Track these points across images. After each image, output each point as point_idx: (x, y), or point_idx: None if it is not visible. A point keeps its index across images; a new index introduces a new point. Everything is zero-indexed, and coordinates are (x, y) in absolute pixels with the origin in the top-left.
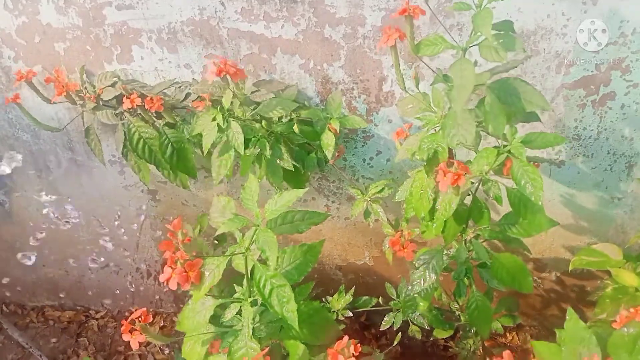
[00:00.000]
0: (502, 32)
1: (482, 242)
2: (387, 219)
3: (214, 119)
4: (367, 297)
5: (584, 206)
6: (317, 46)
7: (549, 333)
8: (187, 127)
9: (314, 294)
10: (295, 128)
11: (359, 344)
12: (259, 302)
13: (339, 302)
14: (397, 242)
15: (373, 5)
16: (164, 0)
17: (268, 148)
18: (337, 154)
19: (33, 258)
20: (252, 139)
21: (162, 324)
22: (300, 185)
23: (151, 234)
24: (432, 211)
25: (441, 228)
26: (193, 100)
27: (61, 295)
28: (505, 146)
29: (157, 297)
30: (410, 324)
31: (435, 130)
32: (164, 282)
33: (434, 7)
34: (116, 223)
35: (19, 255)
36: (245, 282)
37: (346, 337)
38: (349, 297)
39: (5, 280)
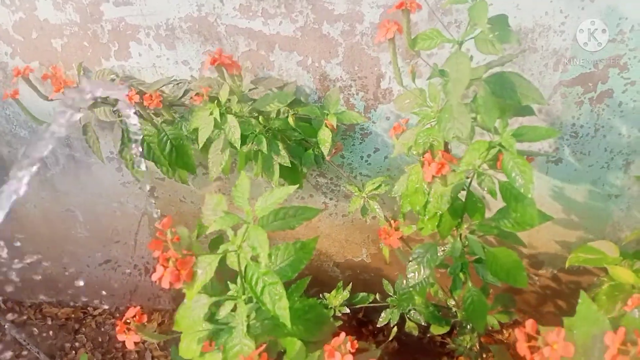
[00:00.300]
0: (498, 25)
1: (478, 237)
2: (384, 216)
3: (210, 113)
4: (364, 293)
5: (581, 203)
6: (315, 43)
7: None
8: (185, 124)
9: (311, 291)
10: (291, 120)
11: (355, 340)
12: (254, 299)
13: (337, 298)
14: (384, 231)
15: (371, 2)
16: None
17: (265, 144)
18: (334, 151)
19: (35, 257)
20: (250, 135)
21: (161, 320)
22: (297, 182)
23: (149, 230)
24: (427, 205)
25: (436, 223)
26: (191, 97)
27: (59, 293)
28: (496, 139)
29: (155, 294)
30: (407, 320)
31: (431, 124)
32: (156, 281)
33: (431, 3)
34: (114, 220)
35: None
36: (239, 279)
37: (343, 334)
38: (346, 294)
39: (2, 277)
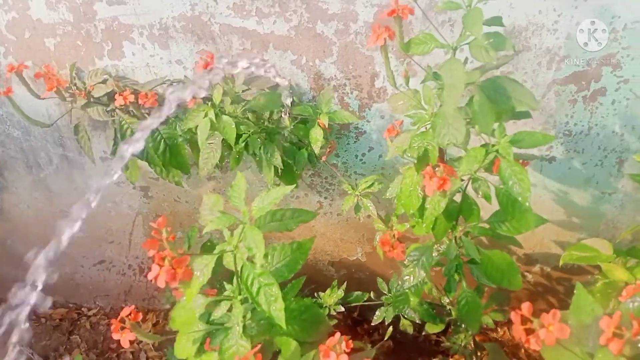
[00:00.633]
0: (492, 31)
1: (472, 239)
2: (378, 214)
3: (205, 115)
4: (359, 292)
5: (575, 202)
6: (309, 42)
7: None
8: (179, 124)
9: (306, 290)
10: (287, 122)
11: (350, 340)
12: (250, 299)
13: (331, 297)
14: (387, 243)
15: (365, 1)
16: None
17: (259, 145)
18: (328, 150)
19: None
20: (243, 135)
21: (155, 320)
22: (292, 182)
23: (143, 230)
24: (422, 209)
25: (431, 225)
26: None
27: (53, 293)
28: (493, 145)
29: (149, 294)
30: (402, 318)
31: (425, 128)
32: (151, 280)
33: (426, 2)
34: (108, 220)
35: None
36: (235, 280)
37: (338, 334)
38: (341, 293)
39: None
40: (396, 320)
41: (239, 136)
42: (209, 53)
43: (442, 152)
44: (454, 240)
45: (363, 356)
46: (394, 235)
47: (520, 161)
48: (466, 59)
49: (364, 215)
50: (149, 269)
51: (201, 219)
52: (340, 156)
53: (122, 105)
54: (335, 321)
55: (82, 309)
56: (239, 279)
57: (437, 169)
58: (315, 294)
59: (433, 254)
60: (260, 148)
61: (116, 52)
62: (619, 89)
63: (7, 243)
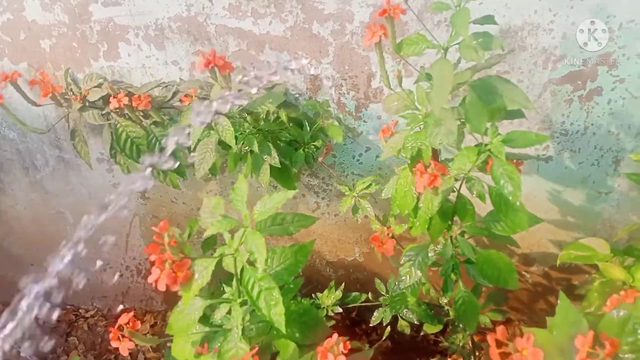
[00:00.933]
0: (481, 31)
1: (468, 238)
2: (376, 215)
3: None
4: (357, 293)
5: (571, 201)
6: (305, 42)
7: (538, 327)
8: (175, 126)
9: (304, 290)
10: (284, 118)
11: (348, 341)
12: (249, 302)
13: (329, 298)
14: (377, 239)
15: (361, 1)
16: None
17: (256, 145)
18: (325, 152)
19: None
20: (240, 135)
21: (153, 322)
22: (289, 183)
23: (140, 232)
24: (417, 209)
25: (426, 225)
26: (180, 100)
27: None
28: (486, 145)
29: (147, 295)
30: (400, 319)
31: (419, 128)
32: (152, 283)
33: (422, 3)
34: (105, 221)
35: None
36: (234, 282)
37: (335, 335)
38: (338, 293)
39: None
40: (394, 321)
41: (235, 137)
42: (211, 51)
43: (435, 152)
44: (449, 240)
45: (361, 357)
46: (384, 232)
47: (515, 161)
48: (459, 59)
49: (361, 216)
50: (147, 271)
51: (201, 221)
52: (337, 157)
53: (117, 108)
54: (333, 322)
55: (80, 310)
56: (239, 282)
57: (429, 166)
58: (313, 295)
59: (430, 254)
60: (257, 148)
61: (112, 53)
62: (615, 88)
63: (4, 245)
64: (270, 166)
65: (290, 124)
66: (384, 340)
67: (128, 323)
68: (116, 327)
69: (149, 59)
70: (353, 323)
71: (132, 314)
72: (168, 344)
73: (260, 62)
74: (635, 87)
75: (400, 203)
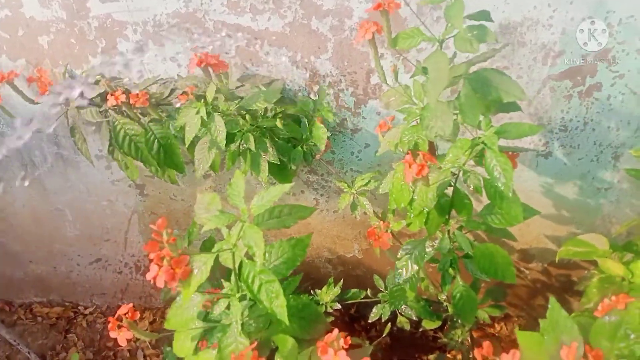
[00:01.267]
0: (478, 24)
1: (466, 232)
2: (374, 212)
3: (197, 112)
4: (356, 289)
5: (571, 197)
6: (304, 38)
7: (537, 323)
8: (172, 123)
9: (303, 287)
10: (279, 123)
11: (348, 337)
12: (248, 297)
13: (328, 294)
14: (373, 233)
15: None
16: None
17: (253, 142)
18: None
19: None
20: (237, 133)
21: (152, 319)
22: (287, 180)
23: (139, 228)
24: (412, 202)
25: (423, 219)
26: (177, 97)
27: (49, 292)
28: (479, 137)
29: (146, 292)
30: (399, 315)
31: (416, 121)
32: (150, 280)
33: None
34: (104, 218)
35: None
36: (233, 277)
37: (336, 330)
38: (337, 290)
39: None
40: (393, 317)
41: (232, 134)
42: (203, 52)
43: (432, 146)
44: (447, 234)
45: (360, 353)
46: (381, 226)
47: (510, 153)
48: (455, 53)
49: (360, 213)
50: (146, 267)
51: (197, 217)
52: (336, 153)
53: (114, 106)
54: (332, 318)
55: (79, 307)
56: (238, 277)
57: (417, 157)
58: (312, 291)
59: (428, 250)
60: (254, 145)
61: (110, 49)
62: (614, 84)
63: (2, 242)
64: (269, 163)
65: (289, 121)
66: (383, 336)
67: (127, 313)
68: (115, 317)
69: (147, 55)
70: (352, 319)
71: (131, 305)
72: (167, 344)
73: (258, 58)
74: (635, 82)
75: (396, 197)
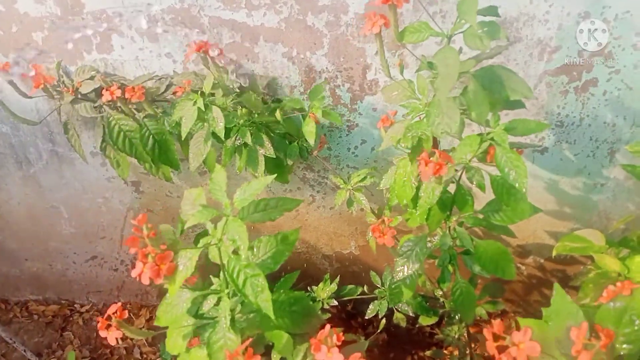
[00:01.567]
0: (488, 20)
1: (467, 229)
2: (371, 208)
3: (194, 103)
4: (352, 286)
5: (567, 192)
6: (299, 34)
7: (534, 318)
8: (167, 119)
9: (300, 284)
10: (278, 115)
11: (341, 333)
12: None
13: (324, 291)
14: (377, 229)
15: None
16: None
17: (249, 136)
18: (319, 145)
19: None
20: (233, 128)
21: (149, 316)
22: (283, 176)
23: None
24: (415, 199)
25: (425, 216)
26: (173, 92)
27: (45, 290)
28: (488, 133)
29: (142, 289)
30: (395, 311)
31: (420, 117)
32: (136, 277)
33: None
34: (99, 215)
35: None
36: (221, 273)
37: (328, 326)
38: (334, 286)
39: None
40: (390, 313)
41: (228, 129)
42: (200, 41)
43: (436, 142)
44: (447, 231)
45: (356, 348)
46: (385, 223)
47: (515, 149)
48: (460, 49)
49: (356, 209)
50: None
51: (182, 214)
52: (332, 149)
53: (109, 101)
54: (328, 315)
55: (75, 305)
56: (225, 272)
57: (432, 155)
58: (309, 288)
59: (427, 246)
60: (250, 139)
61: (105, 45)
62: (610, 79)
63: None
64: (265, 159)
65: (284, 117)
66: (380, 332)
67: (115, 312)
68: (104, 317)
69: (142, 51)
70: (349, 316)
71: (120, 304)
72: (164, 341)
73: (254, 54)
74: (631, 78)
75: (399, 193)
